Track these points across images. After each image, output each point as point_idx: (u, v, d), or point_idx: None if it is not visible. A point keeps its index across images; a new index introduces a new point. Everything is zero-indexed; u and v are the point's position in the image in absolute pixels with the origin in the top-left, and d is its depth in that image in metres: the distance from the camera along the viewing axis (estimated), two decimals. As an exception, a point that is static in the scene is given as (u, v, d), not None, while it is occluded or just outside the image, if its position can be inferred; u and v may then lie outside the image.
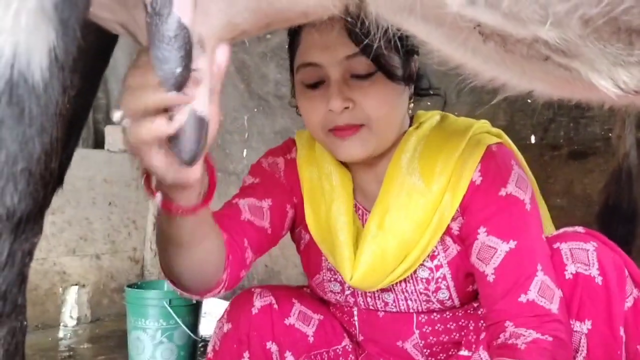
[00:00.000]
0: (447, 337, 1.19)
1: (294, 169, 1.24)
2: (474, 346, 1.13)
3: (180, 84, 0.61)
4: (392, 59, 1.07)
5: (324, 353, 1.23)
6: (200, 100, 0.65)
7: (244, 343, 1.16)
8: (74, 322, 2.64)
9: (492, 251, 1.06)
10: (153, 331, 1.98)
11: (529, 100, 2.42)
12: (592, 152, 2.32)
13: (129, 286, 2.14)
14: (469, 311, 1.19)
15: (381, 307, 1.21)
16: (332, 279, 1.23)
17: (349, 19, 0.69)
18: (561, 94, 0.76)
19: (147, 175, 0.80)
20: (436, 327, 1.19)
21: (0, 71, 0.43)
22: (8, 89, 0.44)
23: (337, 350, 1.25)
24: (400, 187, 1.12)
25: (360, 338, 1.26)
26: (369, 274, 1.13)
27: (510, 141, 1.19)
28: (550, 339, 0.97)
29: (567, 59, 0.65)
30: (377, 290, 1.19)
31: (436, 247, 1.13)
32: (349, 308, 1.26)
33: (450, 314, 1.19)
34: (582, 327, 1.01)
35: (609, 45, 0.62)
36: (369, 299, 1.21)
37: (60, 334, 2.51)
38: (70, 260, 2.62)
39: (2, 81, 0.43)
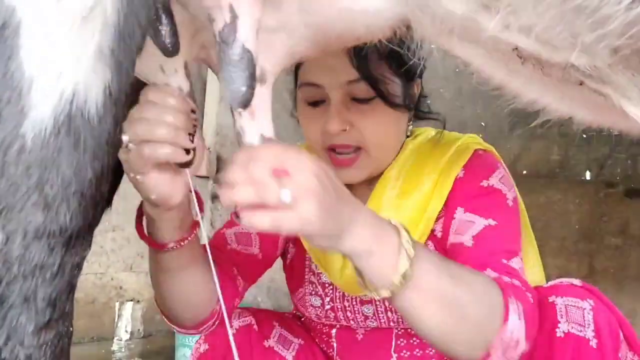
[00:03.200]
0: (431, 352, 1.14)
1: None
2: None
3: (246, 101, 0.70)
4: (393, 86, 1.08)
5: None
6: (266, 125, 0.74)
7: None
8: (128, 337, 2.73)
9: (470, 224, 1.02)
10: (200, 349, 2.03)
11: (585, 135, 2.38)
12: (651, 190, 2.25)
13: (180, 304, 2.20)
14: None
15: (361, 322, 1.18)
16: (314, 292, 1.21)
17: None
18: (601, 122, 0.76)
19: (140, 217, 0.91)
20: (415, 352, 1.16)
21: (61, 107, 0.50)
22: (67, 122, 0.50)
23: None
24: (390, 191, 1.12)
25: None
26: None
27: (502, 162, 1.15)
28: (527, 294, 0.91)
29: (599, 85, 0.66)
30: (357, 303, 1.16)
31: None
32: (327, 328, 1.23)
33: None
34: None
35: (638, 74, 0.63)
36: (348, 313, 1.18)
37: (115, 347, 2.61)
38: (127, 276, 2.73)
39: (62, 115, 0.50)
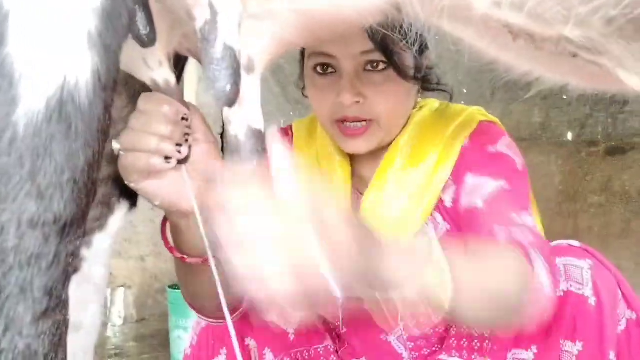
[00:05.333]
0: (432, 331, 1.15)
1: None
2: (454, 352, 1.10)
3: (230, 101, 0.67)
4: (406, 57, 1.06)
5: (305, 352, 1.20)
6: (254, 116, 0.73)
7: (221, 339, 1.13)
8: (121, 322, 2.74)
9: (480, 186, 1.02)
10: (195, 330, 2.05)
11: (565, 97, 2.40)
12: (631, 147, 2.28)
13: (171, 287, 2.21)
14: None
15: None
16: None
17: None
18: (596, 87, 0.78)
19: (164, 228, 0.88)
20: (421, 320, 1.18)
21: (52, 92, 0.49)
22: (58, 108, 0.50)
23: (319, 350, 1.22)
24: (397, 163, 1.11)
25: (344, 330, 1.23)
26: None
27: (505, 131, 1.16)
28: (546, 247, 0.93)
29: (594, 56, 0.66)
30: None
31: (427, 223, 1.11)
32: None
33: None
34: (573, 348, 0.98)
35: (633, 42, 0.64)
36: None
37: (109, 333, 2.62)
38: (117, 262, 2.73)
39: (54, 101, 0.49)
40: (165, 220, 0.88)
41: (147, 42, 0.67)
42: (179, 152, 0.75)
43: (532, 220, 0.98)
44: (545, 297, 0.88)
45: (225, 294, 0.99)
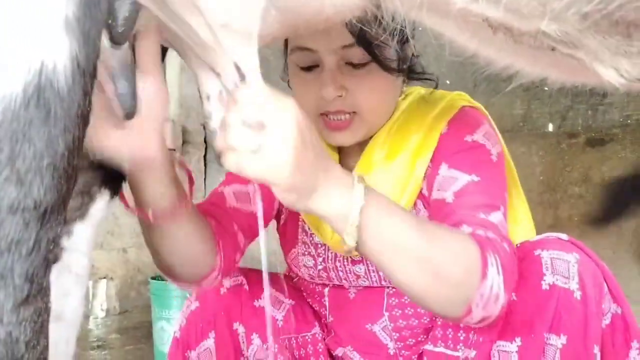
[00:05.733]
0: (417, 321, 1.16)
1: None
2: (439, 342, 1.11)
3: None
4: (387, 50, 1.06)
5: (293, 339, 1.22)
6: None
7: (210, 323, 1.14)
8: (104, 314, 2.72)
9: (453, 180, 1.02)
10: (177, 321, 2.04)
11: (546, 88, 2.42)
12: (610, 139, 2.31)
13: (153, 278, 2.21)
14: None
15: (353, 281, 1.19)
16: (306, 253, 1.22)
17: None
18: (575, 80, 0.79)
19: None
20: (406, 311, 1.17)
21: (29, 78, 0.49)
22: (36, 93, 0.50)
23: (307, 337, 1.23)
24: (380, 151, 1.12)
25: (330, 319, 1.24)
26: None
27: (490, 117, 1.16)
28: (504, 245, 0.92)
29: (571, 50, 0.67)
30: (349, 262, 1.17)
31: (410, 210, 1.12)
32: (320, 288, 1.24)
33: None
34: (557, 342, 0.97)
35: (609, 37, 0.65)
36: (340, 273, 1.19)
37: (91, 325, 2.60)
38: (98, 254, 2.71)
39: (31, 87, 0.49)
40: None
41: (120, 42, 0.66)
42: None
43: (501, 217, 0.98)
44: (494, 301, 0.87)
45: (200, 253, 0.99)
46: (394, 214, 0.84)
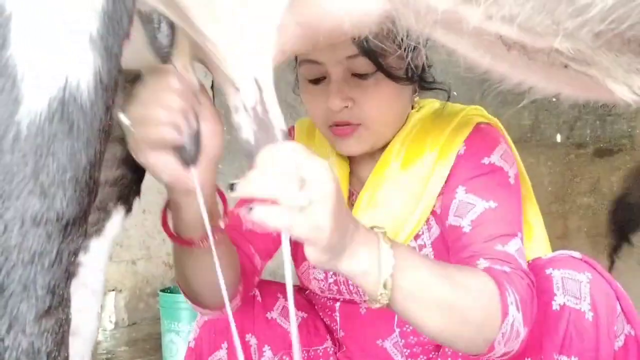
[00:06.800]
0: (427, 338, 1.12)
1: None
2: (449, 359, 1.10)
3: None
4: (394, 60, 1.04)
5: (304, 352, 1.22)
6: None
7: (222, 334, 1.14)
8: (112, 326, 2.73)
9: (470, 207, 1.01)
10: (186, 333, 2.04)
11: (554, 99, 2.42)
12: (619, 149, 2.31)
13: (163, 290, 2.21)
14: None
15: (364, 296, 1.17)
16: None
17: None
18: (588, 96, 0.79)
19: (165, 215, 0.89)
20: None
21: (54, 93, 0.50)
22: (60, 108, 0.51)
23: (318, 351, 1.23)
24: (394, 163, 1.11)
25: (341, 334, 1.24)
26: None
27: (505, 132, 1.16)
28: (522, 279, 0.91)
29: (584, 67, 0.68)
30: None
31: (421, 226, 1.11)
32: (331, 302, 1.24)
33: None
34: None
35: (621, 55, 0.65)
36: (351, 287, 1.18)
37: (100, 337, 2.60)
38: (108, 266, 2.71)
39: (56, 101, 0.50)
40: (165, 208, 0.90)
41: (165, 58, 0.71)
42: (188, 125, 0.75)
43: (518, 244, 0.98)
44: (515, 337, 0.88)
45: (223, 281, 1.00)
46: (420, 267, 0.83)
